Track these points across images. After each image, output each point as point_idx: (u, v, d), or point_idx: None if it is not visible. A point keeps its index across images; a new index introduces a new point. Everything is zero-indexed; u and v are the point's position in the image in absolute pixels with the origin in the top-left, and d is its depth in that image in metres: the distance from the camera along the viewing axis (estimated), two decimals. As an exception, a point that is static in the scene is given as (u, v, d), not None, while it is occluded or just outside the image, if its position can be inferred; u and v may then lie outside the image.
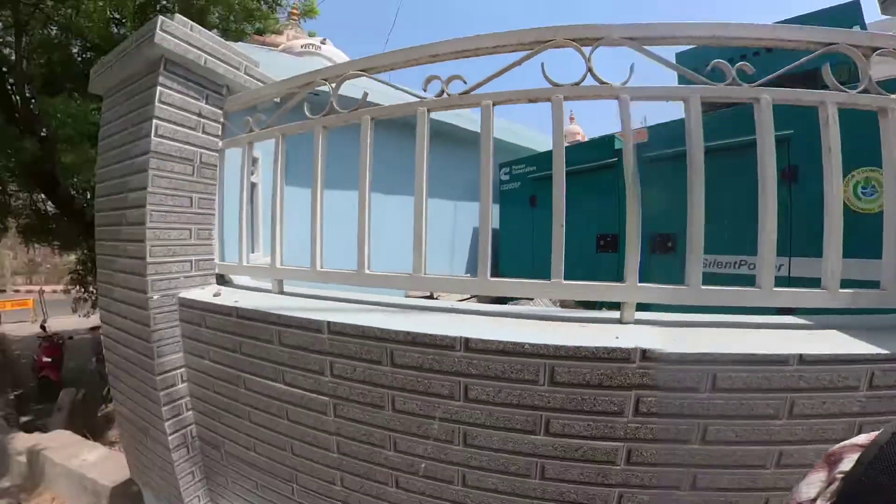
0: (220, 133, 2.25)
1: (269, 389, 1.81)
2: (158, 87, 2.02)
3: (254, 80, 2.36)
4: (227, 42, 2.33)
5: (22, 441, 5.92)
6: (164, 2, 6.80)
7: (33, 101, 6.58)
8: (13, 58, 6.81)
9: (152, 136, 1.97)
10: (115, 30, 6.74)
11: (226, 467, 2.13)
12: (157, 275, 1.96)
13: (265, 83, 2.37)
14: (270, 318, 1.73)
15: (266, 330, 1.76)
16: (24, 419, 7.02)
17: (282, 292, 2.03)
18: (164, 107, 2.04)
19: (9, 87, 6.63)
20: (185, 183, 2.05)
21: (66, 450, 5.32)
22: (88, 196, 6.63)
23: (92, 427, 6.38)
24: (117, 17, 6.56)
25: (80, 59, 7.22)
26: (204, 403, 2.10)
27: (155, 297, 1.94)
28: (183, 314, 2.02)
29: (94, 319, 8.67)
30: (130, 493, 4.46)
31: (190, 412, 2.17)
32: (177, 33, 2.05)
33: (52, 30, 7.04)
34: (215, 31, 7.04)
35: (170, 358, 2.03)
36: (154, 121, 1.99)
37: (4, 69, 6.75)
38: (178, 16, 2.15)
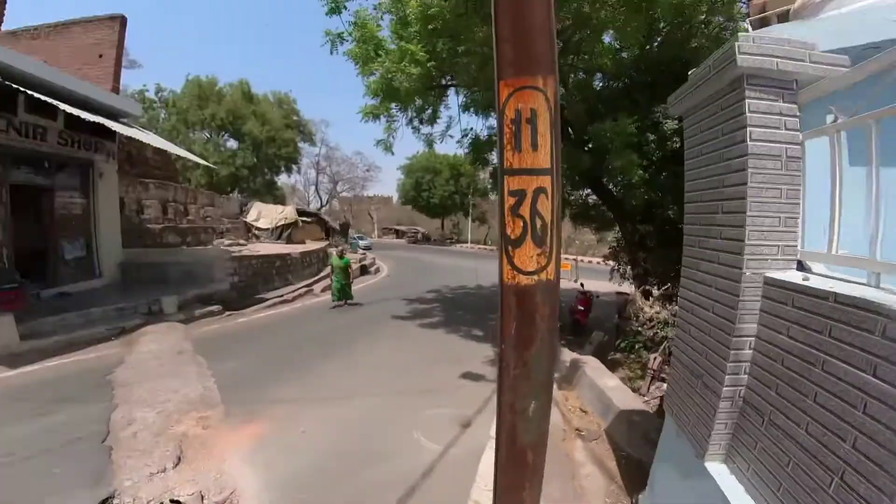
0: (797, 126, 2.17)
1: (851, 377, 1.65)
2: (746, 100, 2.12)
3: (820, 65, 2.12)
4: (790, 38, 2.17)
5: (566, 354, 7.47)
6: (662, 24, 6.85)
7: (580, 128, 8.04)
8: (564, 102, 8.59)
9: (747, 141, 2.12)
10: (623, 55, 7.46)
11: (761, 433, 2.08)
12: (751, 255, 2.11)
13: (832, 64, 2.09)
14: (879, 308, 1.57)
15: (867, 319, 1.60)
16: (561, 342, 8.83)
17: (878, 286, 1.79)
18: (753, 115, 2.14)
19: (567, 122, 8.55)
20: (774, 177, 2.11)
21: (594, 371, 6.34)
22: (623, 190, 7.75)
23: (605, 364, 7.48)
24: (619, 46, 7.23)
25: (600, 88, 8.42)
26: (764, 372, 2.11)
27: (747, 274, 2.11)
28: (767, 292, 2.10)
29: (620, 287, 9.98)
30: (631, 419, 4.91)
31: (746, 375, 2.24)
32: (750, 50, 2.08)
33: (579, 75, 8.49)
34: (703, 14, 6.58)
35: (746, 326, 2.17)
36: (747, 128, 2.13)
37: (563, 111, 8.54)
38: (741, 34, 2.17)
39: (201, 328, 8.18)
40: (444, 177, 43.05)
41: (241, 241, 18.05)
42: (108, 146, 10.67)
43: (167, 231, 13.99)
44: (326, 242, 23.71)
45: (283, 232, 21.03)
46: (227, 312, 9.58)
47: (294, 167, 35.39)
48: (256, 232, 21.09)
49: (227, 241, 16.97)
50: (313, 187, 47.16)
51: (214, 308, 9.38)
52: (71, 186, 9.95)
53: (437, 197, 43.59)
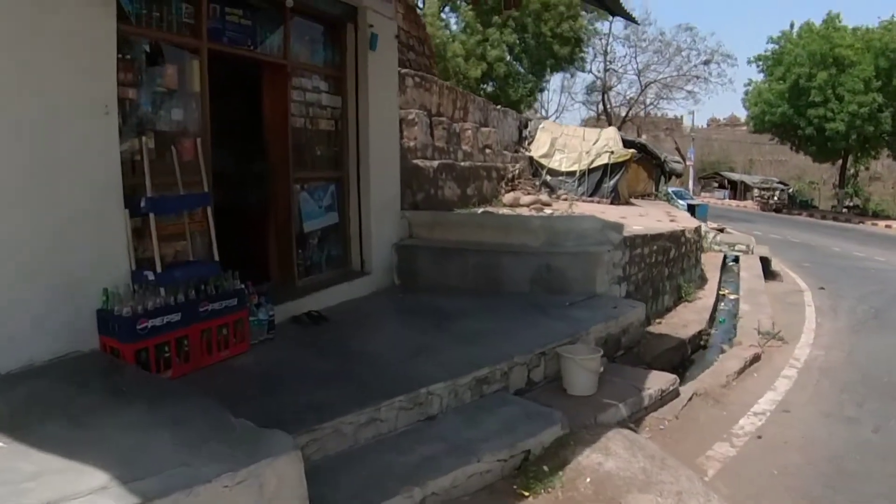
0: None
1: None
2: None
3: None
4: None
5: None
6: None
7: None
8: None
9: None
10: None
11: None
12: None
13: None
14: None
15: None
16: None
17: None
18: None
19: None
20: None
21: None
22: None
23: None
24: None
25: None
26: None
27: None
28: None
29: None
30: None
31: None
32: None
33: None
34: None
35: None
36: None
37: None
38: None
39: (700, 450, 5.11)
40: (858, 74, 33.38)
41: (543, 198, 14.49)
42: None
43: (444, 173, 10.85)
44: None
45: (605, 178, 17.01)
46: (691, 391, 6.14)
47: (581, 55, 31.68)
48: (549, 178, 17.53)
49: (525, 198, 13.54)
50: (594, 101, 42.84)
51: (665, 382, 5.85)
52: (311, 67, 6.59)
53: (839, 117, 34.36)
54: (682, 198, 30.00)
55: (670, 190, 31.49)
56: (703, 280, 12.40)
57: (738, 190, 48.93)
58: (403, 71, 10.93)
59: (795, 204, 42.59)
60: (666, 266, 9.92)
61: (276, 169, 6.11)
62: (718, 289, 12.17)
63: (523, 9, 27.43)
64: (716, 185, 52.02)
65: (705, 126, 74.91)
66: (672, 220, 12.88)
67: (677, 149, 50.61)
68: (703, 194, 49.24)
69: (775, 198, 42.85)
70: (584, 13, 30.77)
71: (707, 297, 10.97)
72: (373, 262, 7.17)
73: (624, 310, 6.70)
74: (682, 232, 11.04)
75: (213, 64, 5.25)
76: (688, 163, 48.98)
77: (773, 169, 57.87)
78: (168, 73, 4.89)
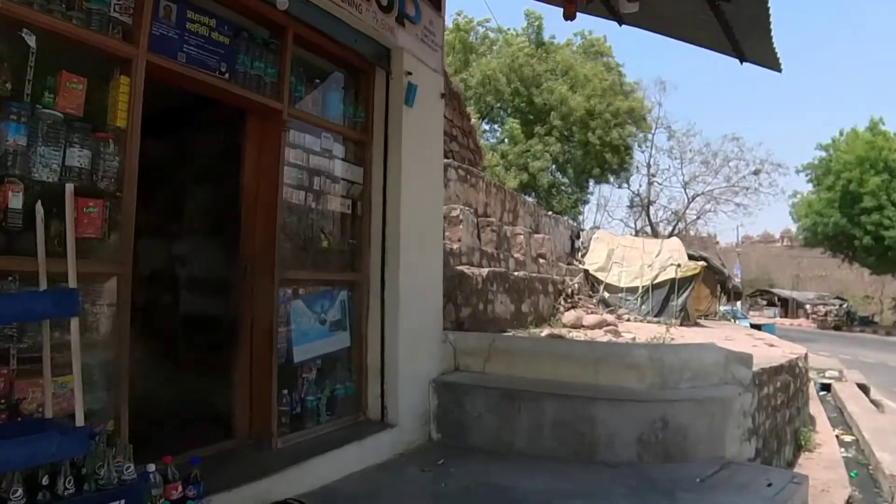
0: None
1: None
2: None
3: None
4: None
5: None
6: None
7: None
8: None
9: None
10: None
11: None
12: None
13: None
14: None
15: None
16: None
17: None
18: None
19: None
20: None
21: None
22: None
23: None
24: None
25: None
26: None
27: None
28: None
29: None
30: None
31: None
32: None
33: None
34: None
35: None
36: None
37: None
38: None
39: None
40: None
41: (609, 318, 12.07)
42: (427, 15, 5.44)
43: (494, 284, 8.55)
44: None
45: (673, 295, 14.61)
46: None
47: (628, 166, 30.31)
48: (606, 295, 15.18)
49: (589, 318, 11.14)
50: (635, 216, 41.32)
51: None
52: (320, 121, 4.58)
53: (896, 225, 31.94)
54: (736, 317, 27.93)
55: (726, 309, 29.41)
56: (812, 419, 9.95)
57: (788, 307, 46.11)
58: (445, 161, 8.96)
59: (855, 320, 39.56)
60: (786, 407, 7.80)
61: (255, 263, 3.91)
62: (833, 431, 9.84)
63: (567, 116, 26.56)
64: (764, 302, 49.41)
65: (740, 243, 74.96)
66: (771, 346, 10.44)
67: (722, 265, 48.83)
68: (751, 312, 46.87)
69: (832, 314, 40.01)
70: (630, 122, 29.81)
71: (827, 443, 8.86)
72: (399, 408, 4.79)
73: (784, 489, 4.32)
74: (796, 361, 8.82)
75: (155, 90, 3.16)
76: (735, 280, 46.96)
77: (814, 284, 55.57)
78: (68, 88, 2.77)
